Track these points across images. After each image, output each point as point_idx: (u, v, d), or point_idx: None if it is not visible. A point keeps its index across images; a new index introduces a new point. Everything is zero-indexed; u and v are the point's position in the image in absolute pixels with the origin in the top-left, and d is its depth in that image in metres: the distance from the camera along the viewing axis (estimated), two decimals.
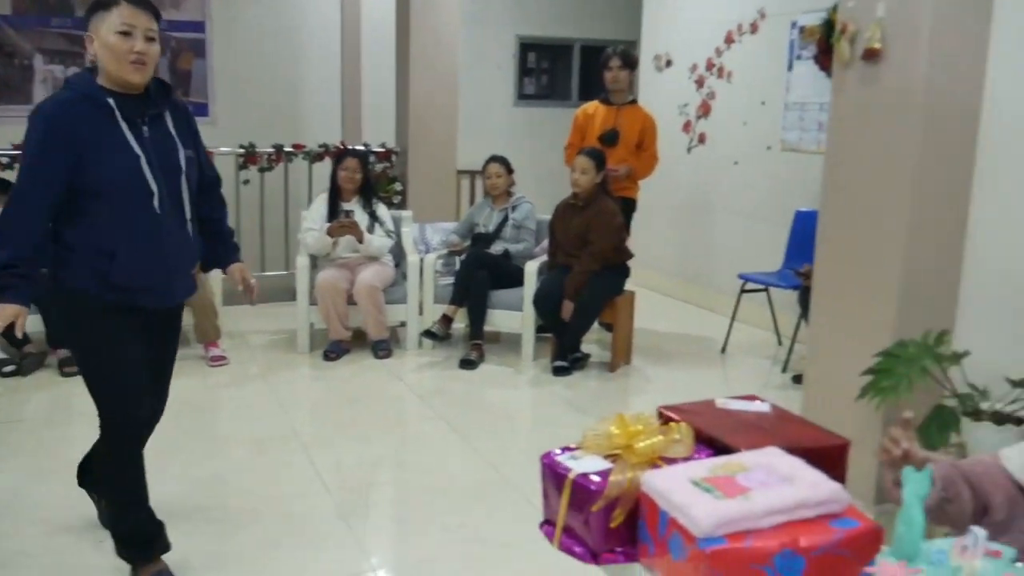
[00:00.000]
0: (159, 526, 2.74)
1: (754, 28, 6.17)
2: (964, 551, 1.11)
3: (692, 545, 1.33)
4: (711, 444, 1.67)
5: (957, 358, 2.97)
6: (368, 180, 5.56)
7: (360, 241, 5.24)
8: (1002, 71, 2.90)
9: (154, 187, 2.51)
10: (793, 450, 1.56)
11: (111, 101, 2.47)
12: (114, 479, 2.70)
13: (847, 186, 3.20)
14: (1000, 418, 2.83)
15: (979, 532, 1.11)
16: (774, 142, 6.00)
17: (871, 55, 2.95)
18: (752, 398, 1.88)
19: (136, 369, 2.57)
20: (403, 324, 5.54)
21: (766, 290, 5.70)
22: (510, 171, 5.54)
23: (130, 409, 2.59)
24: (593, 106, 5.70)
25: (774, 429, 1.70)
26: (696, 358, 5.57)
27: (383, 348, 5.29)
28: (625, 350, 5.39)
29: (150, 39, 2.46)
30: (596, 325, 5.60)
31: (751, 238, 6.27)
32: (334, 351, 5.26)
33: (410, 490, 3.60)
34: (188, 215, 2.66)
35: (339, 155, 5.74)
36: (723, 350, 5.69)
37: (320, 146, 6.57)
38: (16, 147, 5.17)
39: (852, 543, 1.33)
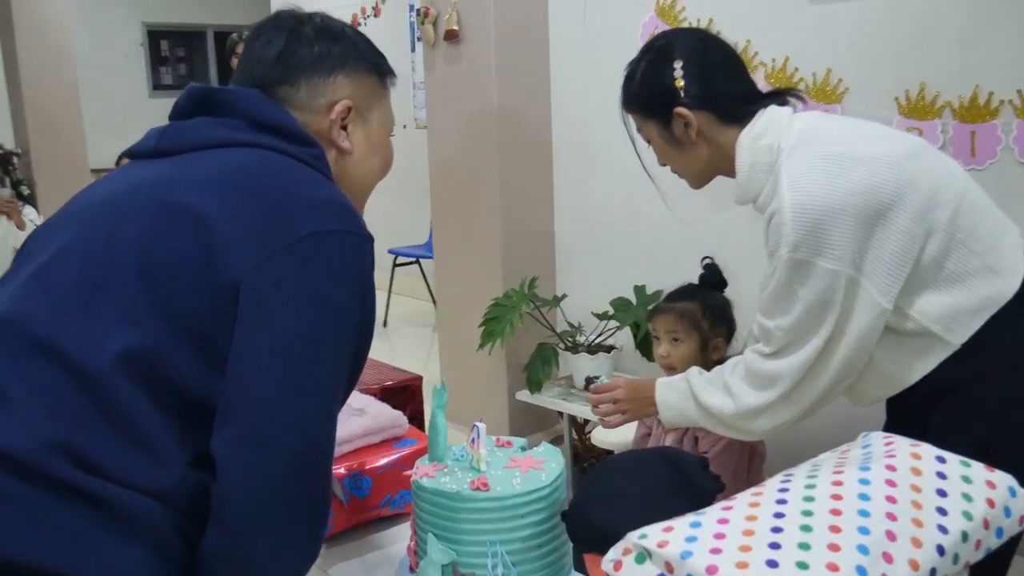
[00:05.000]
0: None
1: (376, 11, 6.43)
2: (472, 443, 1.36)
3: None
4: None
5: (557, 301, 3.39)
6: None
7: (21, 228, 4.89)
8: (560, 38, 3.31)
9: None
10: (369, 390, 1.78)
11: None
12: None
13: (447, 157, 3.51)
14: (593, 348, 3.27)
15: (480, 426, 1.36)
16: (408, 120, 6.31)
17: (451, 36, 3.26)
18: None
19: None
20: None
21: (417, 262, 6.02)
22: None
23: None
24: None
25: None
26: None
27: None
28: None
29: None
30: None
31: (398, 214, 6.56)
32: None
33: None
34: None
35: None
36: (384, 324, 5.94)
37: None
38: None
39: (410, 459, 1.56)
